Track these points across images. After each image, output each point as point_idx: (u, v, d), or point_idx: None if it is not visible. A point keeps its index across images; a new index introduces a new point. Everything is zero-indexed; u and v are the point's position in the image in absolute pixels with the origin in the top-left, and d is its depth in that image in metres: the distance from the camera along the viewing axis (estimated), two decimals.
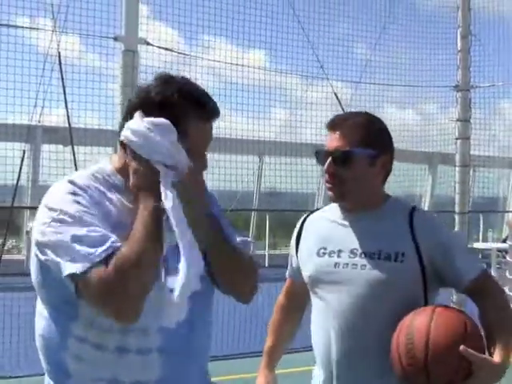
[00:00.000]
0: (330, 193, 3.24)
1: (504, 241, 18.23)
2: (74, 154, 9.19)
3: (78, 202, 2.46)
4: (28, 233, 16.78)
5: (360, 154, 3.16)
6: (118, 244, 2.35)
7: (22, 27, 10.94)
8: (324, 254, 3.26)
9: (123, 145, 2.66)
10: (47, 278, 2.49)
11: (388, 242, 3.14)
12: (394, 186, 15.84)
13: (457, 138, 11.79)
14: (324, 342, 3.22)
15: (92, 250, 2.31)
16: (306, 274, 3.36)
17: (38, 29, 10.78)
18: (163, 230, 2.41)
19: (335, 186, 3.20)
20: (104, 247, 2.32)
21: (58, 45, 9.33)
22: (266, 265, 17.81)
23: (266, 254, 18.54)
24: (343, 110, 11.86)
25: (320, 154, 3.26)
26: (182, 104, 2.53)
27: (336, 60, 14.74)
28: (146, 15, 11.18)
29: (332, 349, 3.18)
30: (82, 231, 2.36)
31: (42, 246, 2.43)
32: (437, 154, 18.52)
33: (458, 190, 11.68)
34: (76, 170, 9.01)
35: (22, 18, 11.31)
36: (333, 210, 3.38)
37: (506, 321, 3.02)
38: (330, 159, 3.18)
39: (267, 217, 19.59)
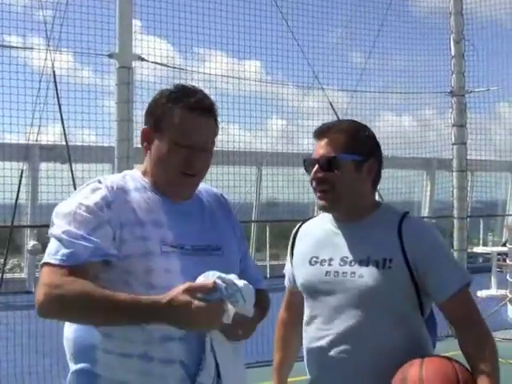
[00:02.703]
0: (321, 202, 3.25)
1: (504, 244, 18.24)
2: (72, 172, 9.23)
3: (90, 204, 2.70)
4: (29, 251, 16.79)
5: (345, 159, 3.19)
6: (83, 257, 2.58)
7: (16, 47, 10.99)
8: (316, 262, 3.26)
9: (147, 148, 2.90)
10: None
11: (377, 249, 3.15)
12: (393, 192, 15.86)
13: (453, 144, 11.85)
14: (317, 351, 3.23)
15: (57, 250, 2.60)
16: (298, 282, 3.38)
17: (32, 48, 10.83)
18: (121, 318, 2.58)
19: (325, 193, 3.21)
20: (65, 251, 2.58)
21: (53, 63, 9.38)
22: (268, 275, 17.82)
23: (267, 264, 18.54)
24: (339, 119, 11.91)
25: (307, 163, 3.29)
26: (169, 100, 2.84)
27: (331, 69, 14.74)
28: (139, 31, 11.23)
29: (324, 357, 3.19)
30: (67, 230, 2.62)
31: None
32: (434, 160, 18.55)
33: (455, 195, 11.73)
34: (74, 187, 9.04)
35: (16, 37, 11.36)
36: (325, 219, 3.39)
37: (485, 353, 3.00)
38: (316, 166, 3.21)
39: (267, 227, 19.60)
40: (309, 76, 13.56)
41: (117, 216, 2.70)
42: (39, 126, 10.14)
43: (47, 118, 10.53)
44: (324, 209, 3.29)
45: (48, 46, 9.44)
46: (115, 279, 2.69)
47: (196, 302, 2.46)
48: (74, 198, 2.75)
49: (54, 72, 9.27)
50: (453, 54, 12.05)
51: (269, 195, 17.60)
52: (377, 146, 3.35)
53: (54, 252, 2.61)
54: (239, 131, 14.52)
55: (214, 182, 12.71)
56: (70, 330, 2.84)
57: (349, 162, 3.19)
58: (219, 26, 13.49)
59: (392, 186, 15.96)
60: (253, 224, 19.05)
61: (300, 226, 3.53)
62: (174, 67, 11.47)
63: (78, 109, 11.18)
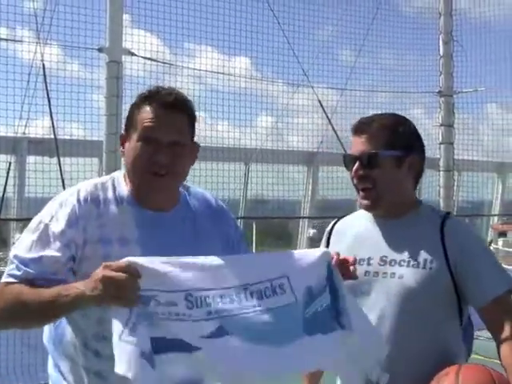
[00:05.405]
0: (364, 201, 3.17)
1: (489, 244, 18.29)
2: (60, 166, 9.22)
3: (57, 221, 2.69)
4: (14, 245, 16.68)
5: (386, 155, 3.12)
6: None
7: (6, 39, 10.94)
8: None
9: (123, 152, 2.85)
10: None
11: (418, 249, 3.07)
12: None
13: (440, 143, 11.93)
14: None
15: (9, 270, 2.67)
16: None
17: (21, 41, 10.79)
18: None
19: (367, 192, 3.14)
20: (13, 273, 2.63)
21: (42, 56, 9.36)
22: None
23: None
24: (327, 116, 11.94)
25: (347, 159, 3.20)
26: (138, 101, 2.81)
27: (321, 67, 14.77)
28: (129, 25, 11.21)
29: None
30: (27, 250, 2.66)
31: None
32: None
33: (442, 194, 11.81)
34: (62, 181, 9.03)
35: (5, 29, 11.32)
36: (362, 216, 3.31)
37: None
38: (357, 163, 3.14)
39: (254, 224, 19.58)
40: (298, 73, 13.58)
41: (81, 233, 2.67)
42: (27, 119, 10.12)
43: (36, 111, 10.53)
44: (367, 208, 3.20)
45: (38, 38, 9.41)
46: None
47: (107, 272, 2.34)
48: (45, 212, 2.75)
49: (43, 65, 9.25)
50: (441, 54, 12.12)
51: (256, 192, 17.60)
52: (418, 140, 3.29)
53: (7, 271, 2.67)
54: (228, 127, 14.53)
55: (203, 177, 12.74)
56: (47, 333, 2.93)
57: (390, 158, 3.13)
58: (210, 21, 13.49)
59: None
60: (239, 220, 19.01)
61: (334, 224, 3.44)
62: (164, 62, 11.48)
63: (66, 102, 11.16)
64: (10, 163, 9.95)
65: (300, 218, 19.40)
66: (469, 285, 3.03)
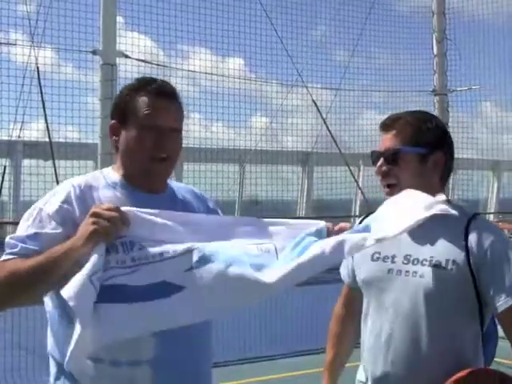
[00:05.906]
0: (388, 198, 3.08)
1: None
2: (55, 169, 9.23)
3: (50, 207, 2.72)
4: None
5: (409, 151, 3.10)
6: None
7: (0, 43, 10.94)
8: (378, 258, 3.15)
9: (116, 142, 2.88)
10: None
11: (441, 249, 3.03)
12: (376, 191, 15.92)
13: None
14: (374, 348, 3.15)
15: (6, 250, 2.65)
16: (359, 277, 3.26)
17: (15, 44, 10.80)
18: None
19: (391, 188, 3.11)
20: (11, 250, 2.63)
21: (36, 59, 9.35)
22: None
23: None
24: (322, 117, 11.95)
25: (374, 156, 3.20)
26: (131, 91, 2.86)
27: (315, 67, 14.81)
28: (123, 27, 11.24)
29: (381, 355, 3.10)
30: (23, 231, 2.68)
31: None
32: None
33: None
34: (57, 184, 9.02)
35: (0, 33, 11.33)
36: None
37: None
38: (381, 159, 3.14)
39: None
40: (292, 74, 13.59)
41: (78, 213, 2.69)
42: (22, 123, 10.11)
43: (30, 115, 10.53)
44: None
45: (32, 42, 9.42)
46: None
47: (98, 209, 2.50)
48: (40, 201, 2.79)
49: (37, 68, 9.25)
50: (435, 53, 12.13)
51: (251, 192, 17.61)
52: (445, 138, 3.23)
53: (5, 252, 2.65)
54: (222, 128, 14.53)
55: (197, 179, 12.69)
56: (49, 341, 2.88)
57: (413, 155, 3.11)
58: (203, 23, 13.52)
59: (375, 184, 16.03)
60: None
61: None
62: (158, 64, 11.48)
63: (61, 105, 11.20)
64: (4, 167, 9.95)
65: (296, 218, 19.43)
66: (489, 288, 2.98)
